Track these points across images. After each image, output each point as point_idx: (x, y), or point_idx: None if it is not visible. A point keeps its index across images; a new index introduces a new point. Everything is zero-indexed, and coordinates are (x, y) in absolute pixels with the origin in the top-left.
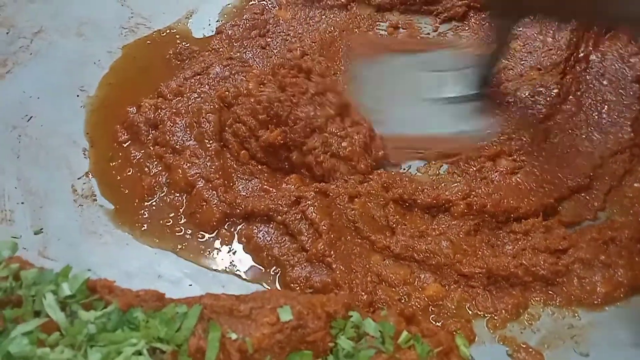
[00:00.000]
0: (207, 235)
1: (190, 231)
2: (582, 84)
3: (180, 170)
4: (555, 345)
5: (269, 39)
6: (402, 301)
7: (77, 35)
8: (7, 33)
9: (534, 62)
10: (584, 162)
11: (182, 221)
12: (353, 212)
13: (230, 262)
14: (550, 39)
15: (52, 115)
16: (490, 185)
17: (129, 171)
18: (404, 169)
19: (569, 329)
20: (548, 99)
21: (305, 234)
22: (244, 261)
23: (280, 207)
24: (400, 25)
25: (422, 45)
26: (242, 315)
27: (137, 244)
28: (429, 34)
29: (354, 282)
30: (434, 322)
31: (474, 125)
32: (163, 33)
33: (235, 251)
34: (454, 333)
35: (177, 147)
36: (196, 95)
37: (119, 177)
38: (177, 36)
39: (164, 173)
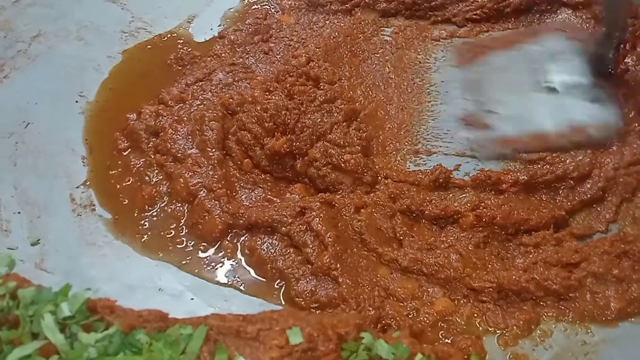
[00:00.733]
0: (209, 247)
1: (192, 243)
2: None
3: (181, 180)
4: None
5: (272, 44)
6: (411, 317)
7: (76, 40)
8: (5, 37)
9: None
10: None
11: (184, 232)
12: (359, 223)
13: (233, 275)
14: None
15: (50, 122)
16: (500, 196)
17: (129, 180)
18: None
19: (582, 346)
20: None
21: (311, 246)
22: (247, 274)
23: (285, 218)
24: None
25: (521, 37)
26: (249, 337)
27: (137, 255)
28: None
29: (360, 296)
30: (443, 338)
31: (593, 117)
32: (164, 37)
33: (239, 263)
34: (468, 353)
35: (179, 155)
36: (198, 102)
37: (118, 186)
38: (179, 41)
39: (164, 182)
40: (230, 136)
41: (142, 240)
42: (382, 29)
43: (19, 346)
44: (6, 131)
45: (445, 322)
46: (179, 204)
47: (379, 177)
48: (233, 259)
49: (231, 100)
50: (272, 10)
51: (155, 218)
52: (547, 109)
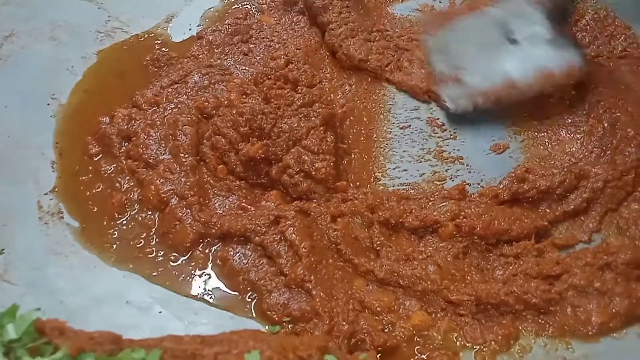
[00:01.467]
0: (180, 257)
1: (162, 252)
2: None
3: (152, 187)
4: None
5: (252, 45)
6: (386, 331)
7: (50, 40)
8: None
9: None
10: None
11: (154, 242)
12: (335, 232)
13: (204, 287)
14: None
15: (20, 125)
16: (481, 206)
17: (99, 187)
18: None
19: None
20: None
21: (284, 257)
22: (219, 286)
23: (258, 227)
24: None
25: (482, 2)
26: None
27: (105, 266)
28: None
29: (334, 310)
30: (419, 354)
31: (557, 60)
32: (141, 38)
33: (210, 275)
34: None
35: (151, 161)
36: (173, 106)
37: (87, 193)
38: (156, 41)
39: (135, 189)
40: (204, 141)
41: (111, 250)
42: None
43: None
44: None
45: (421, 337)
46: (150, 212)
47: (350, 190)
48: (204, 270)
49: (206, 103)
50: (253, 10)
51: (124, 227)
52: (512, 59)
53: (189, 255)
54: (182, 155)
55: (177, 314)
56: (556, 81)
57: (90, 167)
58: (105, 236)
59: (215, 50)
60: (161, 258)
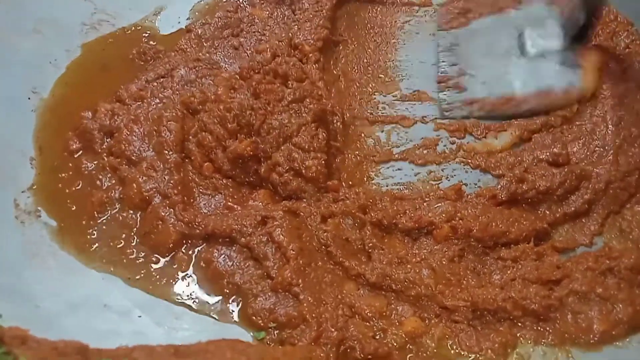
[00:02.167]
0: (161, 259)
1: (143, 254)
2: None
3: (134, 185)
4: None
5: (243, 39)
6: (377, 338)
7: (34, 32)
8: None
9: None
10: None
11: (135, 242)
12: (325, 234)
13: (186, 291)
14: None
15: None
16: (477, 207)
17: (78, 184)
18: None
19: None
20: None
21: (271, 259)
22: (202, 290)
23: (245, 228)
24: None
25: (504, 1)
26: None
27: (84, 268)
28: None
29: (323, 315)
30: None
31: (560, 81)
32: (128, 31)
33: (193, 278)
34: None
35: (134, 158)
36: (157, 101)
37: (67, 191)
38: (144, 34)
39: (117, 187)
40: (190, 137)
41: (90, 250)
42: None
43: None
44: None
45: (414, 344)
46: (131, 212)
47: (342, 190)
48: (187, 273)
49: (192, 98)
50: (244, 3)
51: (104, 227)
52: (519, 73)
53: (171, 256)
54: (166, 152)
55: (157, 319)
56: (554, 101)
57: (70, 164)
58: (84, 236)
59: (205, 44)
60: (142, 260)
